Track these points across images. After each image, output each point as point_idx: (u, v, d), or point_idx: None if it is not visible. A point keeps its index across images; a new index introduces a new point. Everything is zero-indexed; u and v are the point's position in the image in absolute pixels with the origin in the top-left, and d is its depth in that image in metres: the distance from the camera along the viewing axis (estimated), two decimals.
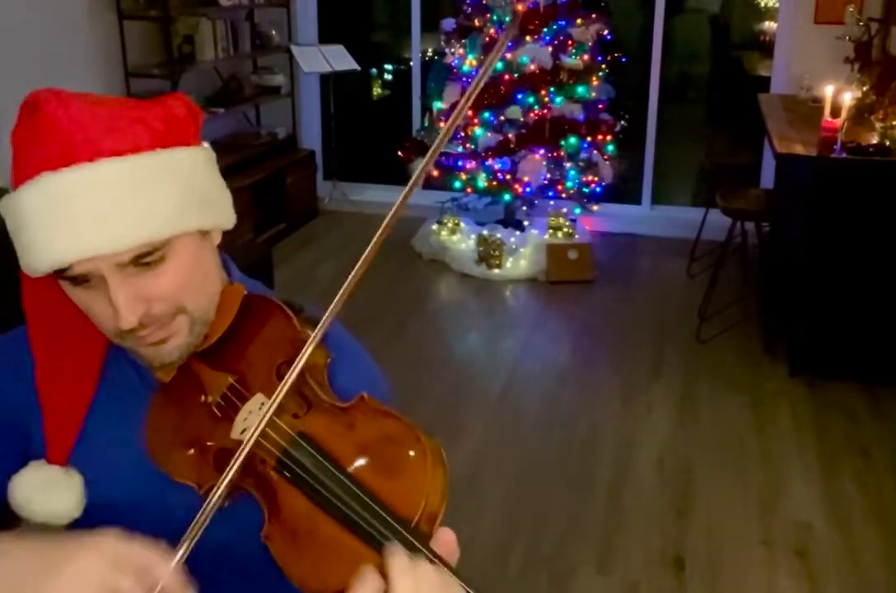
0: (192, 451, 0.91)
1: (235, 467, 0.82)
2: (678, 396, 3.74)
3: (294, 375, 0.83)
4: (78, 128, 0.84)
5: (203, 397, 0.92)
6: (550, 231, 5.07)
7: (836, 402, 3.67)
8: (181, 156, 0.90)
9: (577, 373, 3.96)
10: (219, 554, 0.99)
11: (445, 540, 0.78)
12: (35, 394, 0.99)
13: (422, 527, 0.77)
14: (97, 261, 0.85)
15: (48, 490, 0.95)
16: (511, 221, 5.29)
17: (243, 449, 0.82)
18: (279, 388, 0.83)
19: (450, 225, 5.23)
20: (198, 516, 0.82)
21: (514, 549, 2.78)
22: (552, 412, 3.63)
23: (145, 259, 0.87)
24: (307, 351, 0.83)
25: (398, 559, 0.74)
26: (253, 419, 0.86)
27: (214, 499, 0.82)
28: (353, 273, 0.84)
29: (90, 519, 0.97)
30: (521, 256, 5.02)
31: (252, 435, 0.82)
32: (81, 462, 0.98)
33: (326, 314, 0.84)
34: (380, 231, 0.84)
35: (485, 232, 5.03)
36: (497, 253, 4.98)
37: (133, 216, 0.84)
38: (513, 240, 5.07)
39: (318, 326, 0.84)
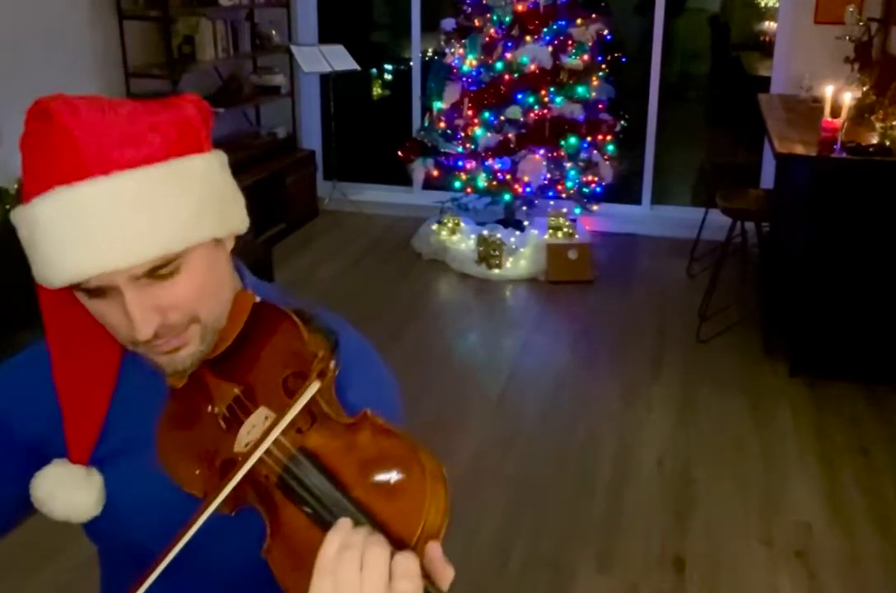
0: (199, 461, 0.92)
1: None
2: (678, 396, 3.74)
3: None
4: (91, 139, 0.83)
5: (210, 407, 0.93)
6: (550, 231, 5.06)
7: (836, 402, 3.67)
8: (195, 163, 0.89)
9: (577, 373, 3.96)
10: (210, 568, 1.00)
11: (430, 556, 0.77)
12: (53, 412, 1.00)
13: (420, 547, 0.77)
14: (113, 274, 0.85)
15: (69, 487, 0.98)
16: (511, 221, 5.29)
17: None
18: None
19: (450, 225, 5.22)
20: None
21: (514, 549, 2.78)
22: (552, 412, 3.63)
23: (160, 271, 0.86)
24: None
25: (323, 552, 0.74)
26: (256, 433, 0.86)
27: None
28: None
29: (109, 519, 1.00)
30: (521, 256, 5.02)
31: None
32: (100, 463, 1.01)
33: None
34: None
35: (485, 232, 5.03)
36: (497, 253, 4.98)
37: (148, 229, 0.84)
38: (513, 240, 5.07)
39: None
